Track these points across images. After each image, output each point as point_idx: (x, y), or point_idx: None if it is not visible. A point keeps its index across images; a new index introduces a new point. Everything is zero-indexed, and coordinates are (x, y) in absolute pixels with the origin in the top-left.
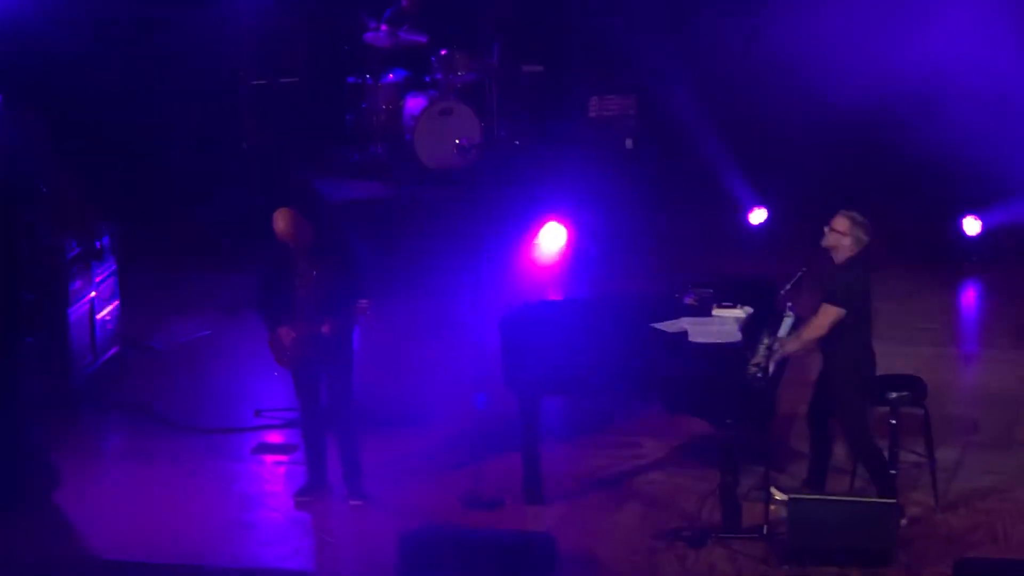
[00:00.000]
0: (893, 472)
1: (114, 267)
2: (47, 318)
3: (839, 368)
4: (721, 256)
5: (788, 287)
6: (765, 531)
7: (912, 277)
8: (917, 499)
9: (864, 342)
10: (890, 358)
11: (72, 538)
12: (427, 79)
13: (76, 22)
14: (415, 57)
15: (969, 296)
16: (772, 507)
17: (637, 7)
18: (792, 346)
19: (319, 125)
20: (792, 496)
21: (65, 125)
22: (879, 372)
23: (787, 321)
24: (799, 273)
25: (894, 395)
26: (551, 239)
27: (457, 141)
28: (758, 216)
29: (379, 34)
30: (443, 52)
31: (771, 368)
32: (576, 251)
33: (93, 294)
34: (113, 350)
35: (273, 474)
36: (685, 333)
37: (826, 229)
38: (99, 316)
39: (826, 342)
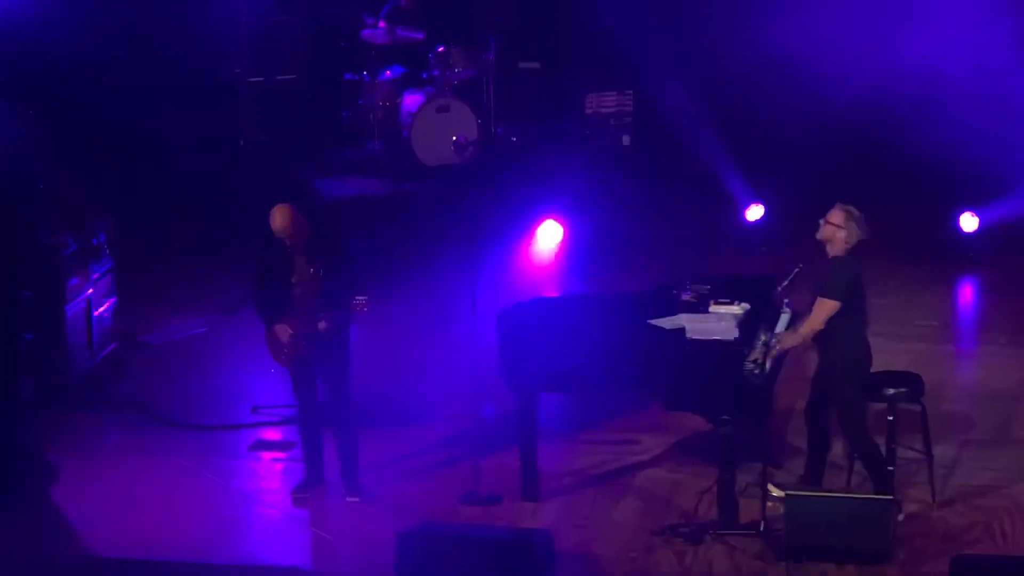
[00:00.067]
0: (890, 469)
1: (110, 264)
2: (44, 315)
3: (838, 365)
4: (718, 253)
5: (785, 283)
6: (762, 528)
7: (909, 274)
8: (914, 496)
9: (861, 337)
10: (888, 354)
11: (69, 535)
12: (424, 76)
13: (76, 22)
14: (412, 54)
15: (966, 293)
16: (769, 504)
17: (634, 4)
18: (789, 342)
19: (316, 122)
20: (789, 493)
21: (65, 124)
22: (876, 368)
23: (784, 317)
24: (796, 269)
25: (892, 392)
26: (548, 236)
27: (454, 138)
28: (755, 213)
29: (376, 31)
30: (440, 49)
31: (768, 364)
32: (573, 248)
33: (90, 291)
34: (110, 347)
35: (270, 471)
36: (682, 330)
37: (821, 222)
38: (96, 313)
39: (823, 338)
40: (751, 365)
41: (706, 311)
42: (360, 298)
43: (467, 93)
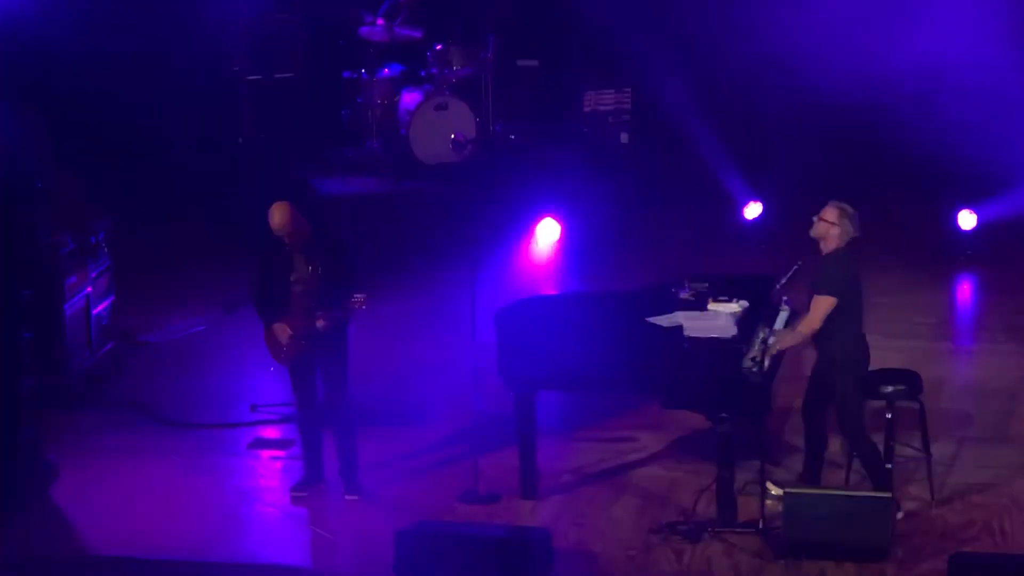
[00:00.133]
0: (889, 466)
1: (109, 263)
2: (43, 314)
3: (836, 363)
4: (717, 251)
5: (783, 281)
6: (761, 525)
7: (907, 271)
8: (913, 493)
9: (858, 335)
10: (885, 352)
11: (69, 535)
12: (423, 74)
13: (76, 22)
14: (411, 52)
15: (964, 290)
16: (768, 501)
17: (632, 2)
18: (788, 340)
19: (315, 120)
20: (788, 490)
21: (64, 124)
22: (874, 366)
23: (782, 315)
24: (794, 267)
25: (890, 389)
26: (547, 234)
27: (452, 136)
28: (753, 211)
29: (375, 29)
30: (438, 47)
31: (767, 362)
32: (571, 246)
33: (89, 289)
34: (109, 345)
35: (269, 469)
36: (681, 328)
37: (815, 219)
38: (95, 312)
39: (820, 336)
40: (750, 363)
41: (704, 309)
42: (359, 296)
43: (465, 91)
